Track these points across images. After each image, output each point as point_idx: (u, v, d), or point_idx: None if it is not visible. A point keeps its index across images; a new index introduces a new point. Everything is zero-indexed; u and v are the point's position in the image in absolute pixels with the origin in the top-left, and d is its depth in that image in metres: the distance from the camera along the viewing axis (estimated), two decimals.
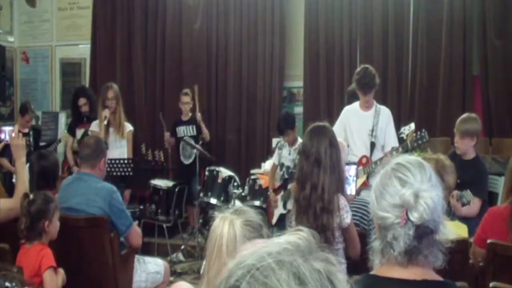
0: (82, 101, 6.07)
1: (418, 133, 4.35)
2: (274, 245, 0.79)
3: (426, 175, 1.55)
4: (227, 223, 1.64)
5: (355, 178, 3.49)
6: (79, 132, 6.02)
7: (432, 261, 1.54)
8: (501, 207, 3.09)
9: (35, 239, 3.01)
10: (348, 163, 3.47)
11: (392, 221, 1.51)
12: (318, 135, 2.92)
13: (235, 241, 1.61)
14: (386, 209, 1.53)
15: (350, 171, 3.46)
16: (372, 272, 1.61)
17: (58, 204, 3.20)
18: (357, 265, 3.00)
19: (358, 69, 4.67)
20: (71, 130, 6.25)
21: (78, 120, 6.14)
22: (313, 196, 2.83)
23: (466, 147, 4.08)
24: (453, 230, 2.89)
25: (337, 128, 4.58)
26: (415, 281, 1.53)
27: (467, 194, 3.50)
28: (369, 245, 1.63)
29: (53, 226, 3.08)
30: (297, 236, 0.83)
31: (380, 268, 1.59)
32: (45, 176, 3.79)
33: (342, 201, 2.88)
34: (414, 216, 1.48)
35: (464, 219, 3.27)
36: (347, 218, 2.87)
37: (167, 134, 6.58)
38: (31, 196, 3.06)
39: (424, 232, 1.51)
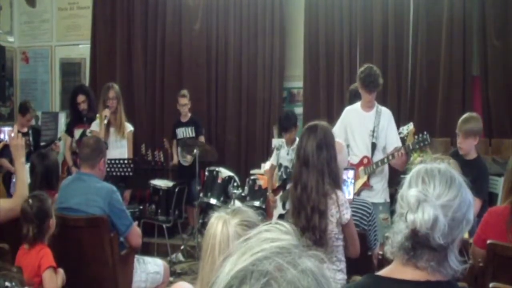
0: (80, 98, 5.99)
1: (420, 135, 4.35)
2: (277, 247, 0.79)
3: (449, 194, 1.52)
4: (221, 222, 1.65)
5: (353, 181, 3.48)
6: (77, 132, 5.98)
7: (430, 272, 1.53)
8: (500, 207, 3.09)
9: (39, 241, 3.01)
10: (347, 168, 3.46)
11: (403, 212, 1.52)
12: (308, 135, 2.91)
13: (228, 241, 1.61)
14: (404, 199, 1.54)
15: (348, 174, 3.46)
16: (376, 273, 1.61)
17: (51, 199, 3.22)
18: (358, 264, 3.01)
19: (362, 68, 4.63)
20: (69, 131, 6.19)
21: (77, 120, 6.09)
22: (303, 196, 2.83)
23: (469, 147, 4.08)
24: None
25: (338, 128, 4.58)
26: (418, 282, 1.52)
27: None
28: (388, 232, 1.64)
29: (53, 222, 3.09)
30: (286, 233, 0.83)
31: (384, 269, 1.60)
32: (49, 175, 3.80)
33: (342, 197, 2.87)
34: (409, 218, 1.48)
35: None
36: (346, 214, 2.86)
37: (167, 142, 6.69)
38: (30, 201, 3.06)
39: (422, 242, 1.49)
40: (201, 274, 1.66)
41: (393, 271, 1.56)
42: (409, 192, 1.51)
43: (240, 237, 1.60)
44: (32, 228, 2.99)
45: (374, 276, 1.60)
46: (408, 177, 1.60)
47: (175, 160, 6.67)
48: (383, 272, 1.59)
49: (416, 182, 1.55)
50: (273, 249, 0.78)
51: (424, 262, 1.52)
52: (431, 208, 1.47)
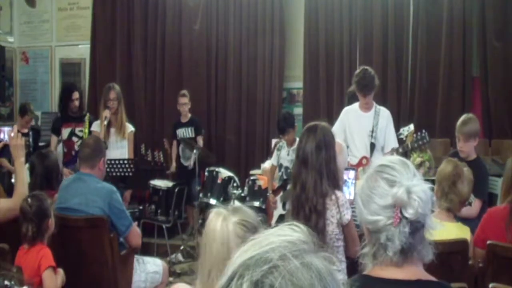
0: (75, 95, 5.87)
1: (419, 133, 4.35)
2: (284, 241, 0.80)
3: (410, 172, 1.55)
4: (221, 218, 1.64)
5: (354, 181, 3.48)
6: (66, 132, 5.81)
7: (424, 255, 1.54)
8: (499, 207, 3.09)
9: (38, 240, 3.01)
10: (347, 168, 3.46)
11: (384, 222, 1.51)
12: (307, 135, 2.92)
13: (228, 237, 1.60)
14: (377, 212, 1.52)
15: (349, 174, 3.45)
16: (365, 273, 1.59)
17: (51, 199, 3.23)
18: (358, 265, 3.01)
19: (358, 70, 4.66)
20: (56, 129, 5.90)
21: (65, 118, 5.89)
22: (302, 196, 2.84)
23: (470, 149, 4.08)
24: (456, 232, 2.89)
25: (337, 129, 4.58)
26: (409, 281, 1.52)
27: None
28: (360, 252, 1.62)
29: (52, 222, 3.09)
30: (298, 232, 0.84)
31: (373, 268, 1.58)
32: (48, 175, 3.80)
33: (342, 198, 2.87)
34: (409, 213, 1.48)
35: (464, 221, 3.27)
36: (347, 214, 2.86)
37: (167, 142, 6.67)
38: (29, 200, 3.06)
39: (416, 228, 1.51)
40: (200, 270, 1.65)
41: (384, 270, 1.55)
42: (391, 195, 1.50)
43: (237, 236, 1.60)
44: (31, 227, 2.99)
45: (364, 276, 1.59)
46: (362, 195, 1.59)
47: (173, 168, 6.64)
48: (372, 272, 1.58)
49: (380, 187, 1.54)
50: (281, 242, 0.79)
51: (417, 253, 1.53)
52: (419, 185, 1.50)
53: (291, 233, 0.83)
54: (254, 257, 0.76)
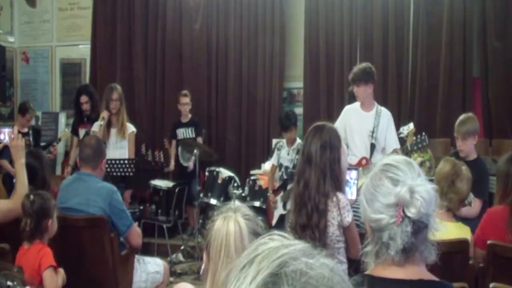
0: (83, 98, 6.03)
1: (419, 136, 4.36)
2: (295, 250, 0.80)
3: (415, 171, 1.55)
4: (232, 221, 1.67)
5: (356, 182, 3.47)
6: (81, 132, 6.00)
7: (427, 256, 1.54)
8: (499, 208, 3.08)
9: (37, 238, 3.01)
10: (350, 168, 3.45)
11: (387, 221, 1.51)
12: (313, 134, 2.93)
13: (242, 237, 1.65)
14: (380, 210, 1.53)
15: (351, 174, 3.45)
16: (366, 272, 1.60)
17: (55, 202, 3.23)
18: (359, 265, 3.01)
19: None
20: (74, 130, 6.22)
21: (80, 120, 6.13)
22: (305, 194, 2.85)
23: (469, 148, 4.08)
24: (457, 232, 2.89)
25: (337, 128, 4.57)
26: (411, 281, 1.52)
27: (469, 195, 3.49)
28: (362, 250, 1.63)
29: (54, 224, 3.10)
30: (290, 239, 0.84)
31: (375, 268, 1.58)
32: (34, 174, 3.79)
33: (343, 200, 2.88)
34: (411, 212, 1.48)
35: (465, 220, 3.27)
36: (348, 216, 2.86)
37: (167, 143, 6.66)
38: (31, 197, 3.07)
39: (419, 228, 1.51)
40: (212, 276, 1.66)
41: (386, 270, 1.55)
42: (395, 194, 1.50)
43: (248, 231, 1.64)
44: (30, 222, 2.99)
45: (366, 275, 1.59)
46: (366, 193, 1.59)
47: (171, 166, 6.63)
48: (374, 272, 1.58)
49: (384, 186, 1.54)
50: (295, 252, 0.79)
51: (419, 253, 1.53)
52: (422, 185, 1.50)
53: (289, 241, 0.82)
54: (278, 272, 0.75)
